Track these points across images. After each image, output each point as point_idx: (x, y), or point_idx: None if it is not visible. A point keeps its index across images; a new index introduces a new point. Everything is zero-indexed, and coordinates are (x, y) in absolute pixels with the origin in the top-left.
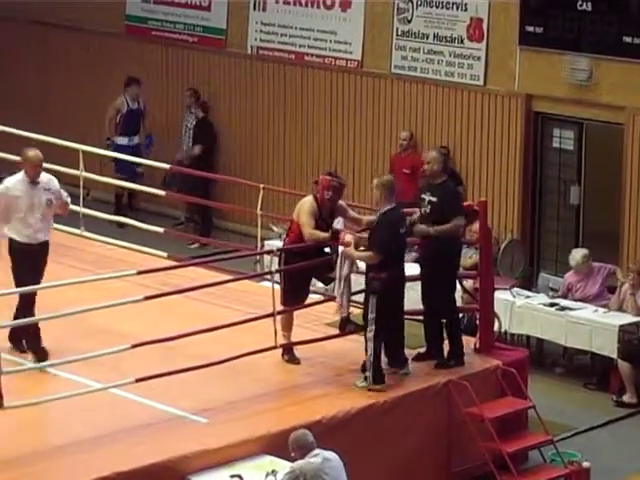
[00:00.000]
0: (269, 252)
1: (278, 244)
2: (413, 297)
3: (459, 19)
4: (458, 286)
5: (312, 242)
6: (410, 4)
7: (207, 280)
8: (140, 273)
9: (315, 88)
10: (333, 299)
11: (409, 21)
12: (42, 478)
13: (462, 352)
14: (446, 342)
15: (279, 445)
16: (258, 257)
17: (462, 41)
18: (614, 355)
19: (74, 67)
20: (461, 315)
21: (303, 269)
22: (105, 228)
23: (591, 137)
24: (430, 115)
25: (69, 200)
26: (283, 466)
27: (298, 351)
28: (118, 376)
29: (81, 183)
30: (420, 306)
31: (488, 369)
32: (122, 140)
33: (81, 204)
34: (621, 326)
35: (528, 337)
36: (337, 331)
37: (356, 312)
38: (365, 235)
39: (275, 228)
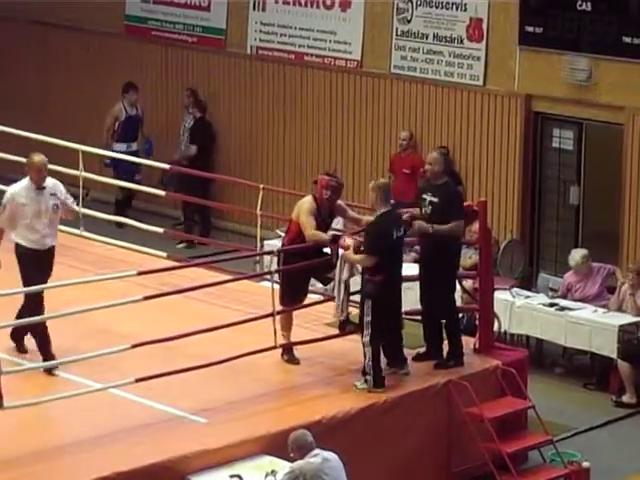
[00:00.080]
0: (269, 253)
1: (278, 244)
2: (413, 297)
3: (459, 19)
4: (458, 286)
5: (313, 242)
6: (410, 4)
7: (207, 280)
8: (140, 274)
9: (315, 88)
10: (332, 299)
11: (409, 21)
12: (42, 478)
13: (462, 352)
14: (446, 342)
15: (279, 445)
16: (258, 257)
17: (462, 41)
18: (614, 355)
19: (74, 67)
20: (461, 315)
21: (302, 269)
22: (105, 228)
23: (591, 137)
24: (430, 115)
25: (75, 206)
26: (283, 466)
27: (298, 351)
28: (118, 376)
29: (80, 183)
30: (419, 306)
31: (488, 369)
32: (120, 147)
33: (81, 204)
34: (621, 326)
35: (528, 337)
36: (337, 331)
37: (355, 312)
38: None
39: (280, 232)
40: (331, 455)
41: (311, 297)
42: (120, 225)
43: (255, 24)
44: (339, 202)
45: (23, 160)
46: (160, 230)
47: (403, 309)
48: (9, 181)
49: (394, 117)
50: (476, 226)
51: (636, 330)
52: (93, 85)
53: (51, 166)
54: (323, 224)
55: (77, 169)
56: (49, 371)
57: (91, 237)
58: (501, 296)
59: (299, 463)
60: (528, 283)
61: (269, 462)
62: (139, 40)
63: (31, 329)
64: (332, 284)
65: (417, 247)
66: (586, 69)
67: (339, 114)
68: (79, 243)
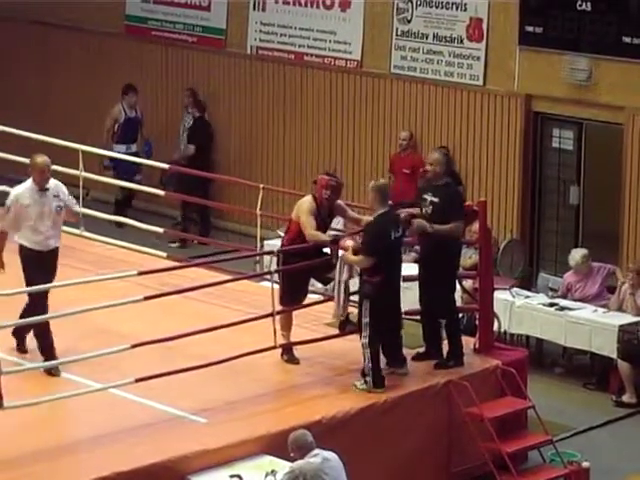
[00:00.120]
0: (269, 253)
1: (278, 244)
2: (412, 297)
3: (459, 19)
4: (458, 286)
5: (313, 242)
6: (410, 4)
7: (207, 280)
8: (141, 274)
9: (315, 88)
10: (332, 299)
11: (409, 21)
12: (42, 478)
13: (461, 352)
14: (445, 342)
15: (279, 445)
16: (258, 257)
17: (462, 41)
18: (614, 355)
19: (74, 67)
20: (461, 315)
21: (302, 269)
22: (105, 228)
23: (591, 137)
24: (430, 115)
25: (77, 209)
26: (283, 466)
27: (297, 351)
28: (118, 376)
29: (80, 183)
30: (419, 306)
31: (488, 369)
32: (120, 148)
33: (81, 204)
34: (621, 326)
35: (527, 337)
36: (337, 331)
37: (355, 312)
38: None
39: (280, 232)
40: (331, 455)
41: (311, 297)
42: (120, 225)
43: (255, 24)
44: (339, 202)
45: (23, 160)
46: (160, 230)
47: (403, 309)
48: (9, 181)
49: (394, 117)
50: (476, 226)
51: (636, 330)
52: (93, 85)
53: (51, 166)
54: (323, 224)
55: (77, 169)
56: (49, 371)
57: (91, 237)
58: (501, 296)
59: (299, 463)
60: (528, 283)
61: (269, 462)
62: (139, 40)
63: (34, 329)
64: (332, 284)
65: (417, 247)
66: (586, 69)
67: (339, 114)
68: (79, 243)
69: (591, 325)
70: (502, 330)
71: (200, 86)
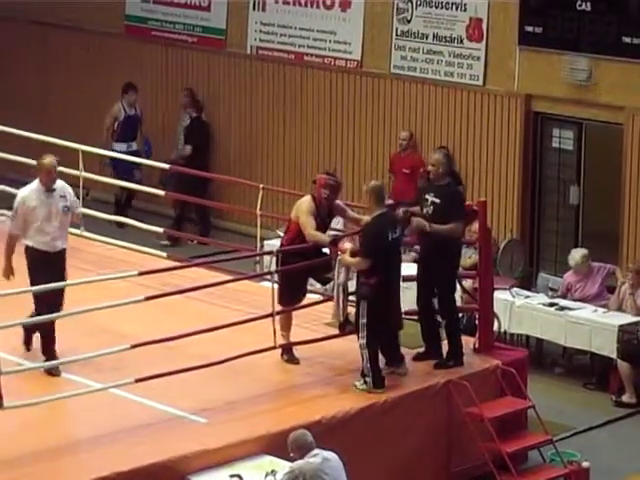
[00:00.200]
0: (269, 253)
1: (278, 244)
2: (412, 297)
3: (458, 19)
4: (458, 286)
5: (313, 242)
6: (409, 4)
7: (207, 280)
8: (141, 274)
9: (315, 88)
10: (332, 299)
11: (408, 21)
12: (42, 478)
13: (461, 352)
14: (445, 342)
15: (278, 445)
16: (258, 257)
17: (461, 41)
18: (613, 355)
19: (74, 67)
20: (461, 315)
21: (301, 269)
22: (105, 228)
23: (590, 137)
24: (430, 115)
25: (80, 211)
26: (282, 466)
27: (297, 351)
28: (118, 376)
29: (81, 183)
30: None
31: (488, 369)
32: (120, 146)
33: (81, 204)
34: (620, 326)
35: (527, 337)
36: (336, 331)
37: (354, 312)
38: None
39: (280, 232)
40: (331, 455)
41: (311, 297)
42: (120, 225)
43: (255, 24)
44: (338, 202)
45: (23, 160)
46: (160, 230)
47: (403, 309)
48: (9, 181)
49: (394, 117)
50: (476, 226)
51: (636, 330)
52: (93, 85)
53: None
54: (322, 224)
55: (77, 169)
56: (50, 371)
57: (91, 237)
58: (501, 296)
59: (299, 463)
60: (528, 283)
61: (269, 462)
62: (139, 40)
63: (39, 330)
64: (331, 284)
65: (417, 247)
66: (586, 69)
67: (339, 114)
68: (79, 243)
69: (591, 325)
70: (502, 330)
71: (200, 86)
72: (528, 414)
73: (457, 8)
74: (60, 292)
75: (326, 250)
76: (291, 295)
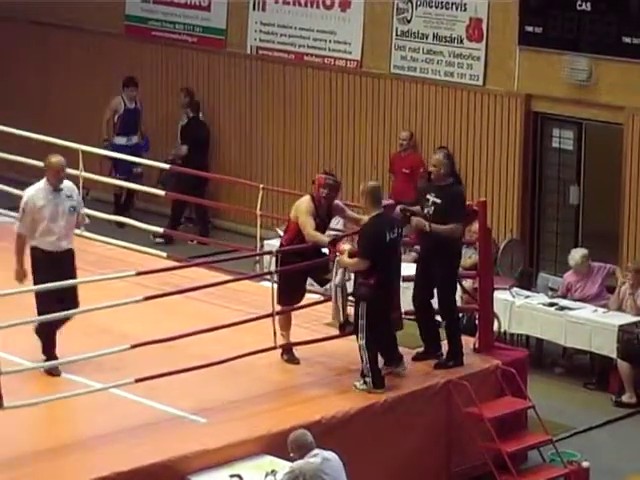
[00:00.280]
0: (269, 253)
1: (278, 244)
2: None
3: (458, 19)
4: (458, 286)
5: (312, 242)
6: (409, 4)
7: (207, 280)
8: (140, 274)
9: (315, 88)
10: (331, 300)
11: (408, 21)
12: (42, 478)
13: (461, 352)
14: (445, 342)
15: (279, 445)
16: (258, 257)
17: (461, 41)
18: (613, 355)
19: (74, 67)
20: (461, 315)
21: (299, 269)
22: (105, 228)
23: (590, 137)
24: (430, 115)
25: (83, 211)
26: (283, 466)
27: (297, 351)
28: (118, 376)
29: (81, 183)
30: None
31: (487, 369)
32: (120, 140)
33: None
34: (620, 326)
35: (527, 337)
36: (336, 331)
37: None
38: None
39: (279, 231)
40: (331, 455)
41: (311, 297)
42: (121, 225)
43: (255, 24)
44: (337, 202)
45: (23, 160)
46: (160, 230)
47: (403, 309)
48: (9, 181)
49: (394, 117)
50: (476, 226)
51: (636, 330)
52: (93, 85)
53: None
54: (322, 224)
55: (77, 169)
56: (50, 371)
57: (91, 237)
58: (501, 296)
59: (299, 463)
60: (528, 283)
61: (269, 462)
62: (139, 40)
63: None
64: (329, 285)
65: (417, 247)
66: (586, 69)
67: (339, 114)
68: (79, 243)
69: (591, 325)
70: (502, 330)
71: (200, 86)
72: (528, 414)
73: (457, 8)
74: (71, 297)
75: (325, 250)
76: (290, 295)
